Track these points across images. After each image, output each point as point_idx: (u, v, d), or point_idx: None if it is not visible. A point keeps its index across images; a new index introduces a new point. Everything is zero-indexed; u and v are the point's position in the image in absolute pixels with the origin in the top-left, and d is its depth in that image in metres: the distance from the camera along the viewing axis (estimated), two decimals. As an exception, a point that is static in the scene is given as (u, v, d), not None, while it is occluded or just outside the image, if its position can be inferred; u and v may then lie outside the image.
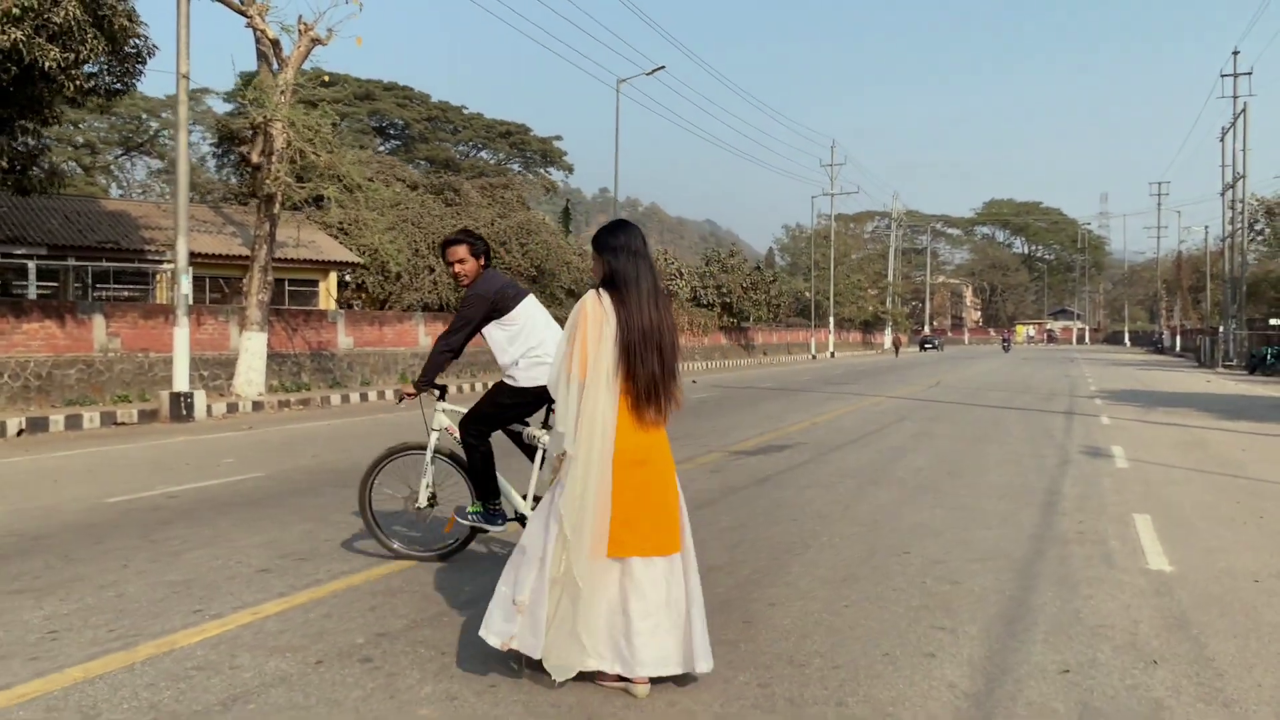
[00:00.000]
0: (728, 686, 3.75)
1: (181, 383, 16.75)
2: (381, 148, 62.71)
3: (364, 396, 20.96)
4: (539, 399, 5.20)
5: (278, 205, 19.54)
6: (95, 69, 15.55)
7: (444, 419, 5.60)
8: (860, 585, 5.27)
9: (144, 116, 56.35)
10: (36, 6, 12.97)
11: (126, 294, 22.62)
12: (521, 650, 3.65)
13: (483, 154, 75.49)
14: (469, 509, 5.46)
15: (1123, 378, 31.24)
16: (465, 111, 73.25)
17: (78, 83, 14.26)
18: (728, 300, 45.94)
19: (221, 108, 52.37)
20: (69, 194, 26.82)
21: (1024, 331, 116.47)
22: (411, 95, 71.38)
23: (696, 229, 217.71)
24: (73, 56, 13.79)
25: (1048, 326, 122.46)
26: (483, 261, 5.34)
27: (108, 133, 55.44)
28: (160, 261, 22.39)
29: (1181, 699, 3.70)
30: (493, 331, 5.26)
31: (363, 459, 10.58)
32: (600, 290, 3.73)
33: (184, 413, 16.10)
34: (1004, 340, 76.49)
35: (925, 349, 76.21)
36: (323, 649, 4.12)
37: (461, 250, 5.29)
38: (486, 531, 5.52)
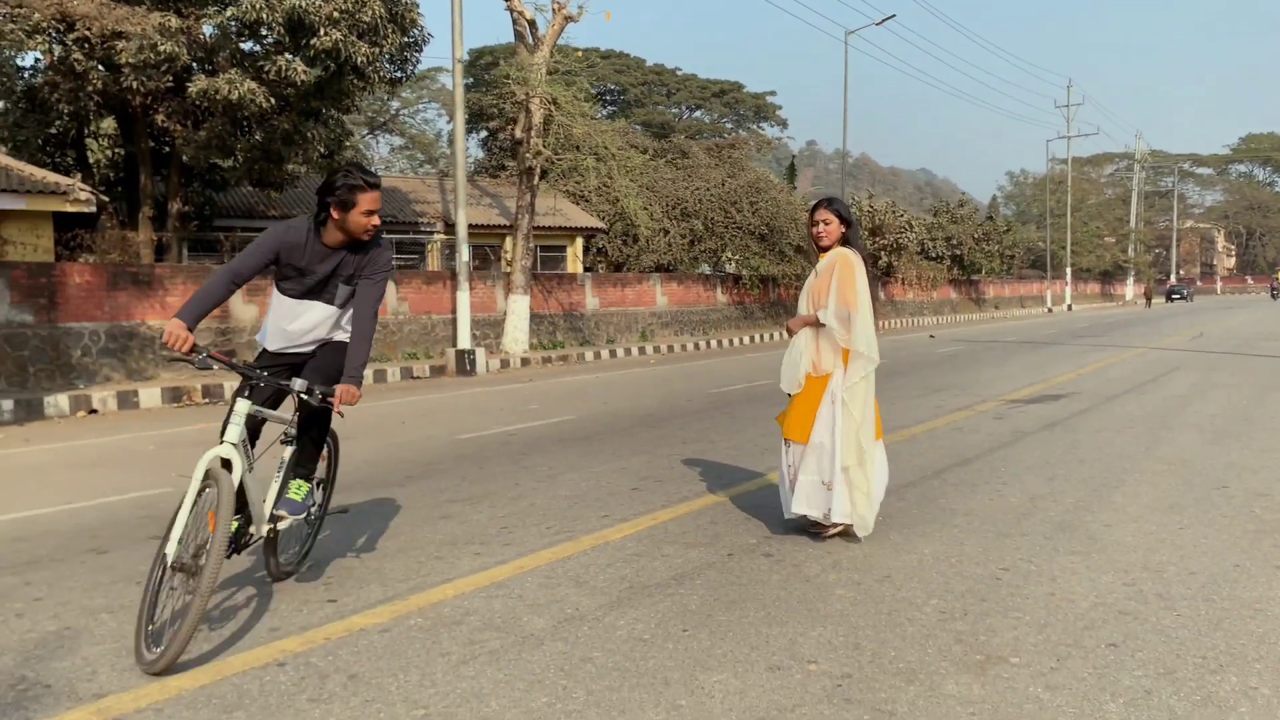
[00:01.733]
0: (1095, 584, 4.28)
1: (465, 341, 18.59)
2: (601, 114, 64.70)
3: (612, 353, 22.35)
4: None
5: (537, 177, 21.05)
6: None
7: (238, 430, 3.94)
8: (1187, 513, 5.60)
9: (385, 97, 60.68)
10: (351, 9, 14.72)
11: (401, 263, 24.99)
12: (833, 519, 4.99)
13: (697, 114, 76.42)
14: (309, 504, 4.41)
15: None
16: (679, 73, 74.32)
17: (380, 74, 16.04)
18: (958, 252, 44.67)
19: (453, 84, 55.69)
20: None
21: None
22: (629, 62, 72.98)
23: (911, 179, 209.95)
24: (377, 50, 15.55)
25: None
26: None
27: (355, 114, 60.06)
28: (431, 232, 24.59)
29: None
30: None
31: (649, 405, 11.63)
32: (851, 249, 5.15)
33: (468, 368, 17.89)
34: (1272, 288, 70.32)
35: (1173, 299, 70.85)
36: (727, 545, 4.97)
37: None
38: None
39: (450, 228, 24.84)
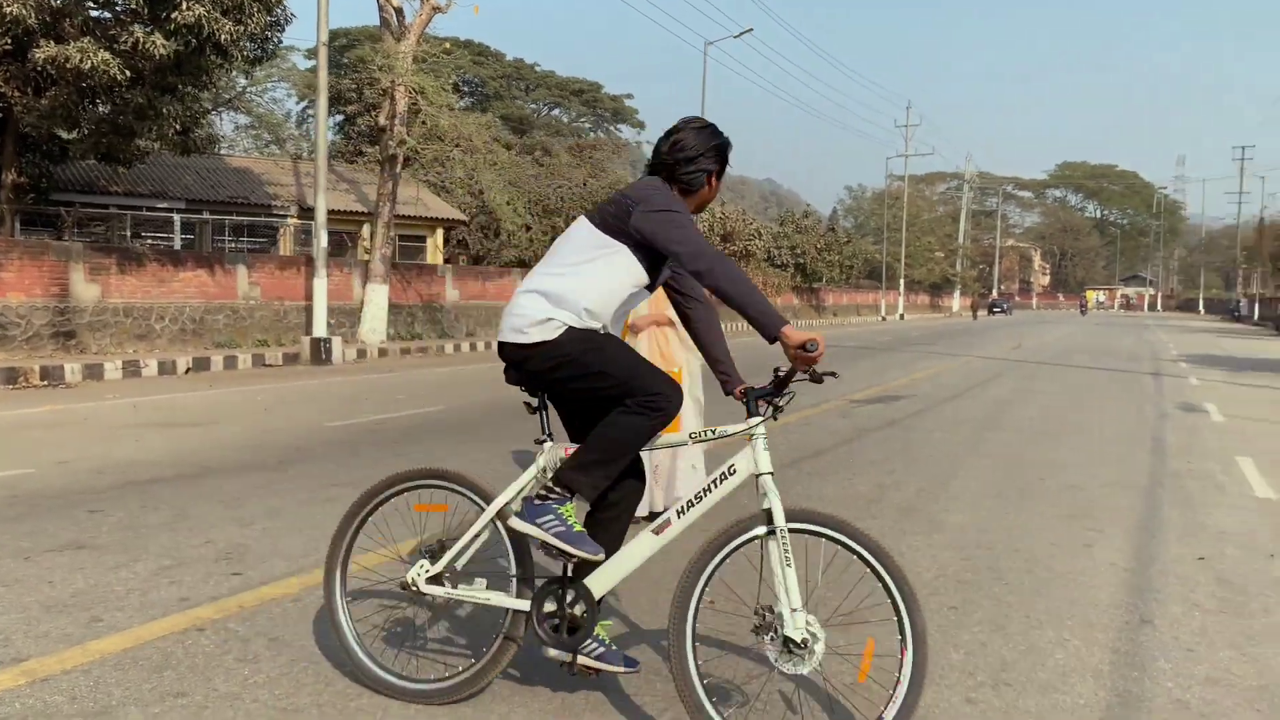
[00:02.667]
0: (936, 559, 4.88)
1: (320, 329, 18.24)
2: (459, 105, 63.88)
3: (472, 346, 22.40)
4: None
5: (400, 165, 20.87)
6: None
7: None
8: (1011, 501, 6.34)
9: (244, 76, 58.00)
10: (215, -17, 14.26)
11: (252, 246, 24.22)
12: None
13: (555, 112, 76.61)
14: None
15: (1202, 344, 31.51)
16: (538, 70, 74.29)
17: (243, 52, 15.60)
18: (801, 261, 46.61)
19: (304, 64, 54.07)
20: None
21: (1094, 297, 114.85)
22: (487, 53, 72.26)
23: (757, 188, 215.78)
24: (242, 29, 15.12)
25: (1123, 292, 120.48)
26: None
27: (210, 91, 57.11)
28: (285, 215, 23.92)
29: (1297, 579, 4.74)
30: None
31: (520, 396, 11.88)
32: None
33: (323, 357, 17.59)
34: (1081, 305, 77.23)
35: (994, 313, 75.93)
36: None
37: None
38: None
39: (305, 211, 24.25)
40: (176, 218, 21.48)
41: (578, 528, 3.00)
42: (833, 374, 2.92)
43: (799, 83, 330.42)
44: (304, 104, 56.13)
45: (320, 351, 17.65)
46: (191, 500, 5.79)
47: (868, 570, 2.76)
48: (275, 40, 17.83)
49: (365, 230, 25.41)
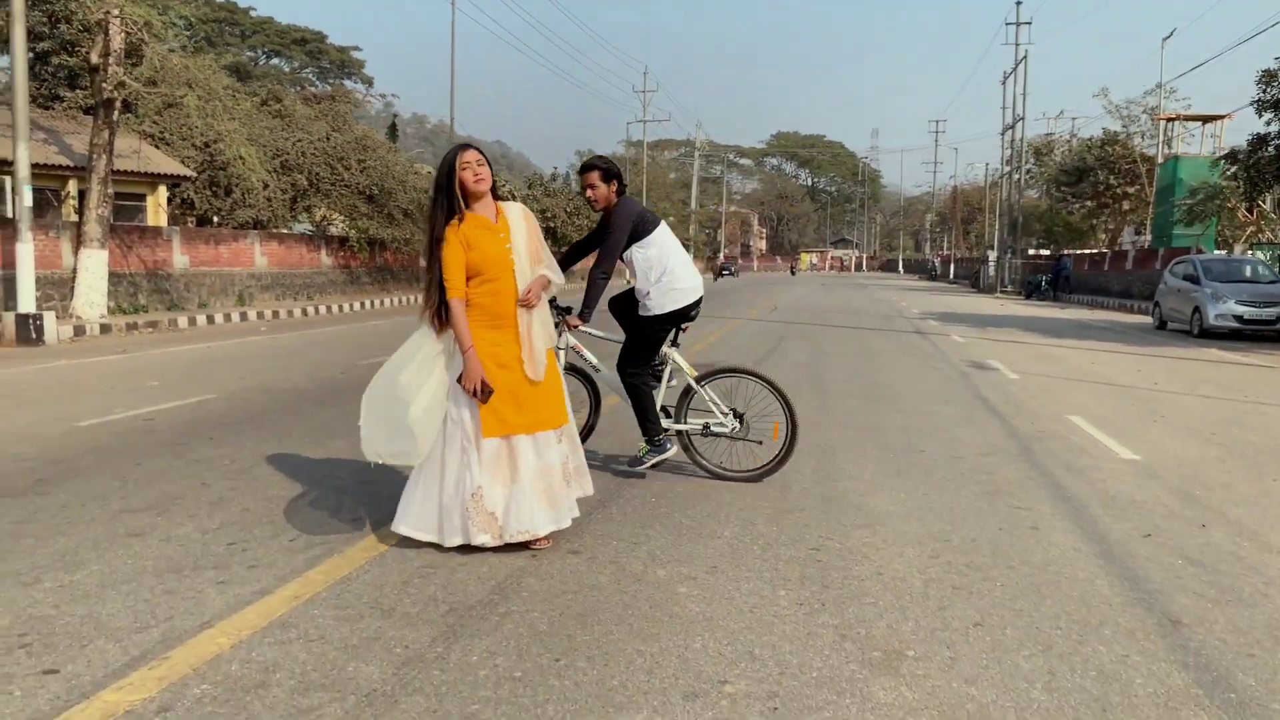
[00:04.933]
0: (908, 560, 4.34)
1: (28, 304, 15.41)
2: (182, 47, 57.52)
3: (209, 319, 19.93)
4: (674, 320, 5.69)
5: (117, 112, 18.01)
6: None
7: (570, 338, 5.82)
8: (914, 477, 5.97)
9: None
10: None
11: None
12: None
13: (275, 61, 71.23)
14: (640, 453, 5.70)
15: (926, 302, 34.08)
16: (254, 15, 68.66)
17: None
18: (552, 225, 45.93)
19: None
20: None
21: (808, 259, 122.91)
22: (194, -8, 65.29)
23: (487, 150, 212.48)
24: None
25: (835, 255, 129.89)
26: (615, 187, 5.47)
27: None
28: (-38, 168, 20.02)
29: (1244, 548, 4.62)
30: (634, 254, 5.54)
31: (300, 380, 10.39)
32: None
33: (33, 336, 14.86)
34: (792, 268, 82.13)
35: (723, 275, 78.93)
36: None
37: (593, 176, 5.43)
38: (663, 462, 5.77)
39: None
40: None
41: None
42: None
43: (546, 41, 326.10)
44: (11, 39, 48.28)
45: (29, 330, 14.89)
46: (-73, 550, 4.20)
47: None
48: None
49: (71, 187, 21.97)
